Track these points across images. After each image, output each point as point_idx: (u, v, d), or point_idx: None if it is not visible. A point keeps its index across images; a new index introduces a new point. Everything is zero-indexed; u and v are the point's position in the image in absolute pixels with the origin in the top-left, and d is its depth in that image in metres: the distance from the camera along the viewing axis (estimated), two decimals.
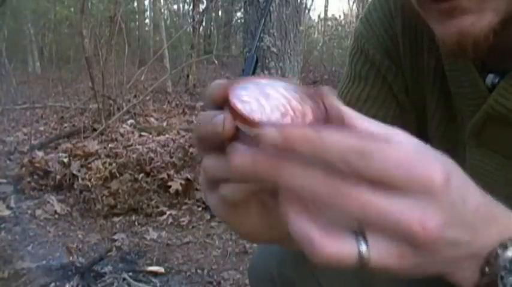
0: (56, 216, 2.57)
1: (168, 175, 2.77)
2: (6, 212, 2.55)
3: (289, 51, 3.42)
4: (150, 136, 3.93)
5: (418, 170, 0.28)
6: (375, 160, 0.27)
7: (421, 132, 0.64)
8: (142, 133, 4.09)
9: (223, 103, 0.32)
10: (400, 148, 0.28)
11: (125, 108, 4.65)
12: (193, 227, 2.44)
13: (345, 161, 0.27)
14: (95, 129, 4.20)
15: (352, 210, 0.28)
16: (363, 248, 0.28)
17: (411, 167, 0.28)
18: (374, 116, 0.62)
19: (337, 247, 0.28)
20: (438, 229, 0.28)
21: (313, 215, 0.28)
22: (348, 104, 0.63)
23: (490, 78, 0.52)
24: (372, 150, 0.27)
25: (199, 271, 1.99)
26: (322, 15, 14.34)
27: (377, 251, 0.28)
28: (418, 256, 0.29)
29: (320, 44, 12.32)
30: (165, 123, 4.75)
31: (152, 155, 2.99)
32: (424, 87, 0.61)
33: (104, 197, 2.64)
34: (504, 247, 0.31)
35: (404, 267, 0.29)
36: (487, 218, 0.31)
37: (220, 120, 0.31)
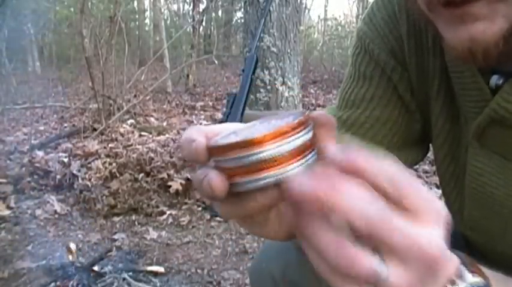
0: (56, 216, 2.56)
1: (168, 175, 2.77)
2: (6, 212, 2.55)
3: (289, 51, 3.42)
4: (150, 136, 3.93)
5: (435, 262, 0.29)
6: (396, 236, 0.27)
7: (425, 131, 0.64)
8: (142, 133, 4.09)
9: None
10: (423, 233, 0.28)
11: (125, 108, 4.65)
12: (193, 227, 2.44)
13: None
14: (95, 129, 4.20)
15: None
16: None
17: (429, 257, 0.28)
18: (379, 116, 0.63)
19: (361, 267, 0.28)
20: None
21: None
22: (352, 104, 0.63)
23: (495, 79, 0.52)
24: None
25: (199, 271, 1.99)
26: (322, 15, 14.36)
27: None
28: None
29: (320, 44, 12.33)
30: (165, 123, 4.75)
31: (152, 155, 2.98)
32: (429, 87, 0.60)
33: (104, 197, 2.64)
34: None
35: None
36: None
37: (194, 144, 0.32)
